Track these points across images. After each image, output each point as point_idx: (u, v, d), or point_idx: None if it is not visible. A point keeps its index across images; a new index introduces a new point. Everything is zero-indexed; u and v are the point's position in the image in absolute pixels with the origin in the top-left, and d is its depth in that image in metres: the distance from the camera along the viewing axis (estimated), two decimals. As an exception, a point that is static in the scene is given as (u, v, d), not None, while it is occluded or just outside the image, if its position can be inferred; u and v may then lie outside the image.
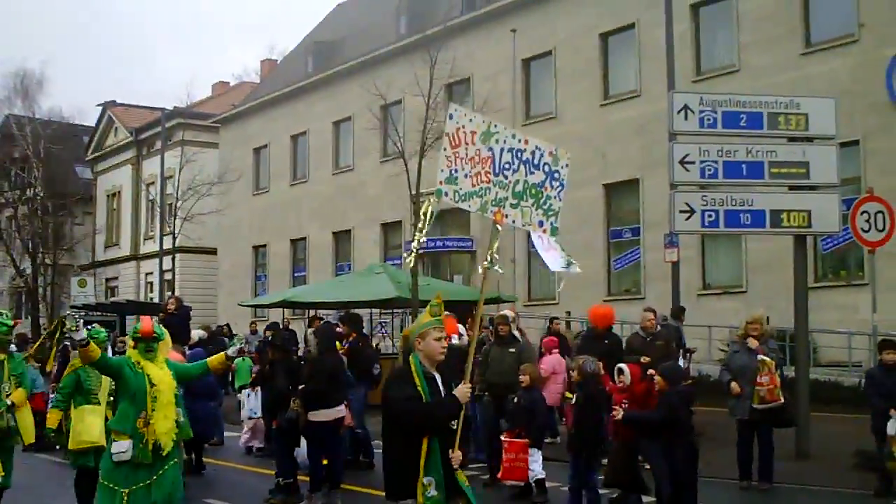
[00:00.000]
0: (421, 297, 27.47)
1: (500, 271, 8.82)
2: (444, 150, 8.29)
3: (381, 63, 40.26)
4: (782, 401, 14.59)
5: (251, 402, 16.28)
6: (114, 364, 10.02)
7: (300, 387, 13.95)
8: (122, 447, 9.59)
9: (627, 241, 32.11)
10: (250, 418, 18.99)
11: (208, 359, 11.03)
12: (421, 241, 8.33)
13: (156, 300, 45.97)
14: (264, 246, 49.45)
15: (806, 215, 17.48)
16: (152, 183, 55.81)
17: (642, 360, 15.89)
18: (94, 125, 66.21)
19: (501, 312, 17.11)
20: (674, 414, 11.26)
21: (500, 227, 8.55)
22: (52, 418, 12.65)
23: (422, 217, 8.02)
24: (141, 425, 9.61)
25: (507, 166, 8.66)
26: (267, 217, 48.47)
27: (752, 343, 14.68)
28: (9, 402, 12.30)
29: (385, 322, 35.01)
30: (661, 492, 11.73)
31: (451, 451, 7.41)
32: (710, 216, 17.72)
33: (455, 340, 17.04)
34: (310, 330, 17.74)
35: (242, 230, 50.15)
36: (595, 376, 12.87)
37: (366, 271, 32.97)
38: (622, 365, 13.25)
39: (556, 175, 9.26)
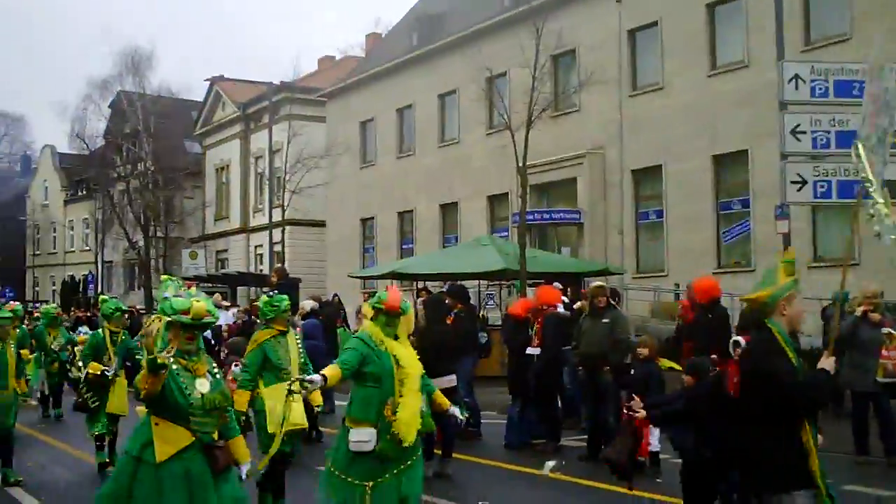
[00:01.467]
0: (528, 269, 27.53)
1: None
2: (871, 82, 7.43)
3: (486, 35, 40.19)
4: None
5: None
6: (357, 358, 8.74)
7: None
8: (364, 436, 8.59)
9: (737, 212, 31.75)
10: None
11: (435, 391, 9.77)
12: (875, 183, 7.11)
13: (265, 272, 46.54)
14: (372, 218, 49.73)
15: (922, 185, 17.22)
16: (260, 157, 56.57)
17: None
18: (202, 100, 67.00)
19: (596, 283, 16.93)
20: (693, 406, 10.88)
21: (872, 180, 7.48)
22: (241, 400, 11.26)
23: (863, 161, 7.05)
24: (388, 414, 8.63)
25: (880, 108, 7.66)
26: (374, 190, 48.71)
27: (875, 317, 14.49)
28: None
29: (492, 294, 35.13)
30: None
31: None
32: (822, 187, 17.59)
33: (560, 309, 17.07)
34: (419, 300, 17.88)
35: (350, 203, 50.47)
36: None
37: (473, 243, 33.12)
38: (738, 337, 13.06)
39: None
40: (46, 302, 73.29)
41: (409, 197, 46.47)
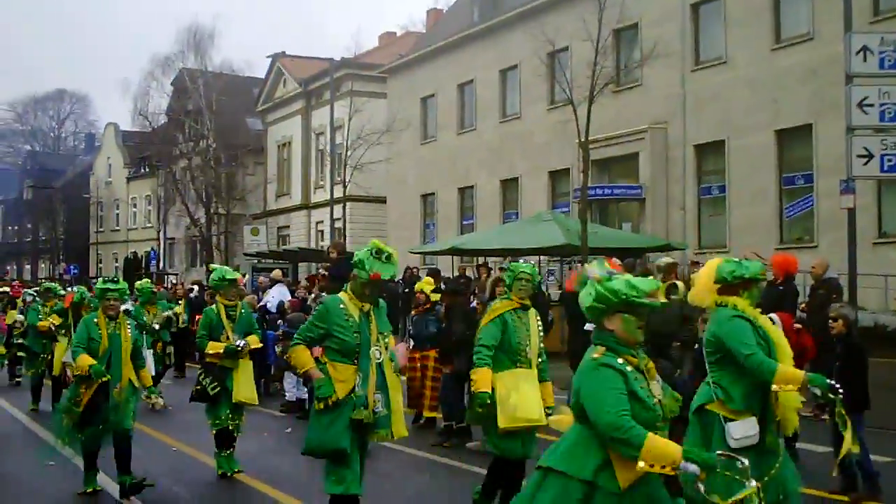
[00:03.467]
0: (590, 244, 27.42)
1: None
2: None
3: (548, 9, 39.89)
4: None
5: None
6: (751, 332, 7.54)
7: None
8: (749, 429, 7.44)
9: (800, 188, 31.41)
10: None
11: None
12: None
13: (326, 248, 46.74)
14: (432, 194, 49.70)
15: None
16: (322, 133, 56.68)
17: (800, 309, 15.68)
18: (263, 77, 67.27)
19: (666, 260, 16.77)
20: None
21: None
22: (484, 379, 9.57)
23: None
24: (774, 401, 7.54)
25: None
26: (435, 166, 48.68)
27: None
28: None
29: (554, 270, 35.02)
30: None
31: None
32: (889, 160, 17.36)
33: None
34: (492, 277, 17.75)
35: (410, 179, 50.50)
36: (854, 325, 12.35)
37: (534, 219, 33.02)
38: (773, 315, 12.94)
39: None
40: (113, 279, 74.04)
41: (469, 172, 46.40)
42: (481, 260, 32.68)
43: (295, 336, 9.31)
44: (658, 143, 35.50)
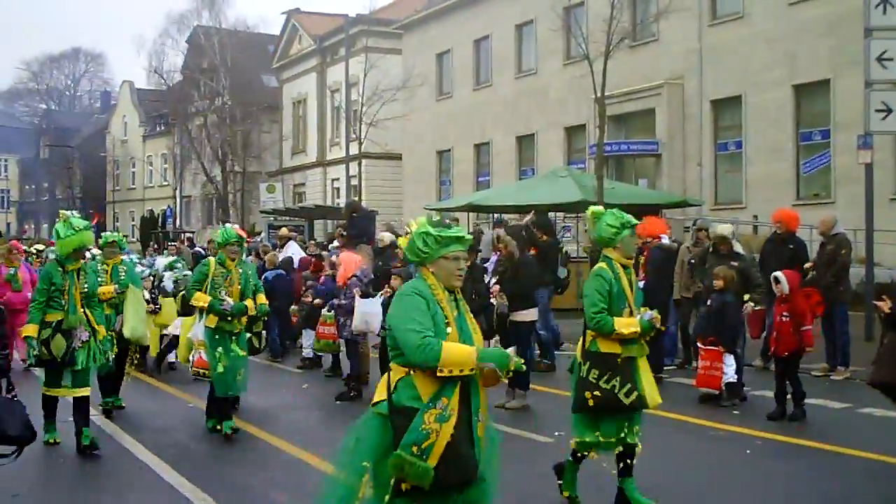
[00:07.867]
0: (606, 200, 27.34)
1: None
2: None
3: (564, -36, 39.69)
4: None
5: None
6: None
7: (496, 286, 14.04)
8: None
9: (817, 143, 31.26)
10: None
11: None
12: None
13: (342, 205, 46.72)
14: (448, 151, 49.59)
15: None
16: (337, 90, 56.57)
17: (806, 266, 15.55)
18: (278, 34, 67.08)
19: (721, 232, 16.48)
20: None
21: None
22: None
23: None
24: None
25: None
26: (450, 122, 48.54)
27: None
28: None
29: (570, 226, 34.91)
30: None
31: None
32: (908, 115, 17.19)
33: (665, 240, 16.88)
34: (500, 232, 17.71)
35: (426, 135, 50.36)
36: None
37: (550, 175, 32.91)
38: (778, 273, 12.86)
39: None
40: (127, 237, 74.29)
41: (485, 129, 46.26)
42: (497, 216, 32.62)
43: None
44: (674, 98, 35.34)
